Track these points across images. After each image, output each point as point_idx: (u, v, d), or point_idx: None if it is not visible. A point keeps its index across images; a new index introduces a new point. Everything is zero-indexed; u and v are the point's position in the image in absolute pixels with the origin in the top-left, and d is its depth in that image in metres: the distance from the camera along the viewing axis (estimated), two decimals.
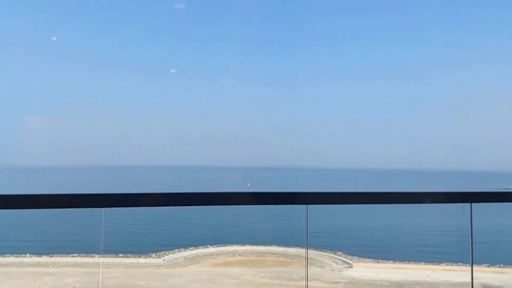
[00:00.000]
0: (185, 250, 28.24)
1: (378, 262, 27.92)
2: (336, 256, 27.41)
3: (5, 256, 24.20)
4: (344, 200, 2.17)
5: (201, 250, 28.17)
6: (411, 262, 27.08)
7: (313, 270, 25.12)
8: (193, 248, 28.74)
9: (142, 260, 26.31)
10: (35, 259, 23.89)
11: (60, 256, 24.03)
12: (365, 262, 27.65)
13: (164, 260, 26.83)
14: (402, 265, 26.40)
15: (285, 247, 28.62)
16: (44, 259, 23.81)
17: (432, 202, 2.23)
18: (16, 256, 24.41)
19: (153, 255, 27.43)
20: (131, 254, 26.28)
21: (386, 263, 27.64)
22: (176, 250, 28.22)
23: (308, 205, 2.16)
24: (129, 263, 25.15)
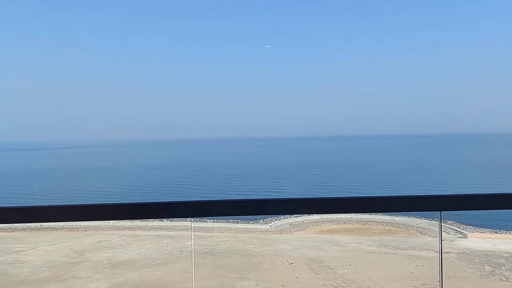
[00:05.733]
0: (290, 217, 29.10)
1: (496, 233, 25.95)
2: (446, 225, 26.05)
3: (132, 221, 27.24)
4: (484, 205, 1.87)
5: (306, 217, 28.78)
6: None
7: (424, 239, 24.30)
8: (298, 215, 29.46)
9: (250, 225, 27.73)
10: (157, 223, 26.54)
11: (179, 221, 26.36)
12: (481, 233, 25.87)
13: (271, 226, 27.96)
14: None
15: (391, 215, 27.94)
16: (165, 223, 26.33)
17: None
18: (142, 221, 27.35)
19: (261, 221, 28.76)
20: (240, 220, 27.86)
21: (506, 233, 25.56)
22: (282, 217, 29.23)
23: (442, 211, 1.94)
24: (239, 228, 26.68)
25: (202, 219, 25.19)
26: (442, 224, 2.17)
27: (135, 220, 27.84)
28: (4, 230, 25.03)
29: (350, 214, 30.19)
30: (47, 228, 25.07)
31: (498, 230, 26.96)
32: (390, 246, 22.45)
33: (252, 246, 22.97)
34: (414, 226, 26.38)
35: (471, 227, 27.31)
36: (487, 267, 19.28)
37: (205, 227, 25.58)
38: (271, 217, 29.92)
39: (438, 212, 1.94)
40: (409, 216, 28.77)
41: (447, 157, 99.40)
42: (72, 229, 25.42)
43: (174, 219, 28.72)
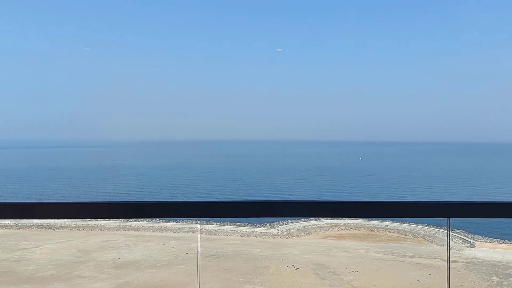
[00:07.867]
0: (298, 222, 28.98)
1: (504, 243, 25.59)
2: (455, 234, 25.77)
3: (138, 221, 27.32)
4: (494, 213, 1.83)
5: (313, 222, 28.65)
6: None
7: (431, 248, 24.02)
8: (305, 219, 29.39)
9: (257, 229, 27.66)
10: (163, 224, 26.55)
11: (186, 223, 26.36)
12: (490, 242, 25.53)
13: (278, 230, 27.87)
14: None
15: (399, 222, 27.71)
16: (172, 224, 26.33)
17: None
18: (148, 221, 27.41)
19: (268, 225, 28.69)
20: (247, 224, 27.81)
21: None
22: (289, 221, 29.12)
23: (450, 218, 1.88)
24: (246, 231, 26.61)
25: (208, 221, 25.21)
26: (450, 232, 2.08)
27: (140, 219, 27.91)
28: (11, 227, 25.18)
29: (358, 220, 30.02)
30: (53, 226, 25.17)
31: (506, 240, 26.60)
32: (397, 254, 22.24)
33: (259, 249, 22.88)
34: (421, 234, 26.13)
35: (479, 236, 26.99)
36: (495, 278, 19.01)
37: (212, 229, 25.54)
38: (278, 220, 29.87)
39: (446, 220, 1.88)
40: (416, 223, 28.54)
41: (458, 165, 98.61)
42: (78, 228, 25.50)
43: (180, 220, 28.73)
